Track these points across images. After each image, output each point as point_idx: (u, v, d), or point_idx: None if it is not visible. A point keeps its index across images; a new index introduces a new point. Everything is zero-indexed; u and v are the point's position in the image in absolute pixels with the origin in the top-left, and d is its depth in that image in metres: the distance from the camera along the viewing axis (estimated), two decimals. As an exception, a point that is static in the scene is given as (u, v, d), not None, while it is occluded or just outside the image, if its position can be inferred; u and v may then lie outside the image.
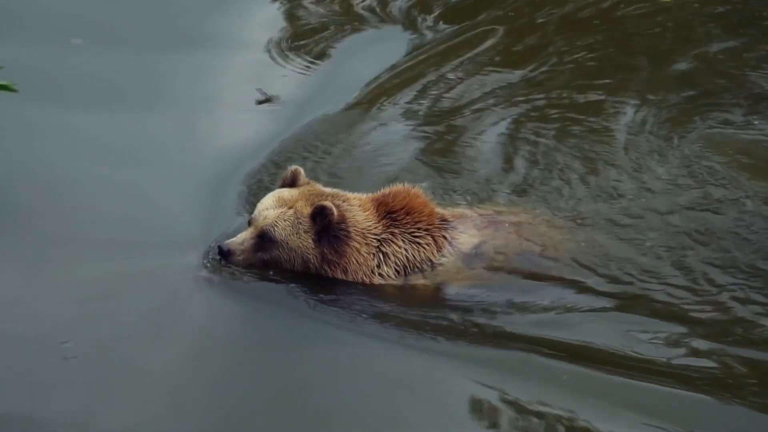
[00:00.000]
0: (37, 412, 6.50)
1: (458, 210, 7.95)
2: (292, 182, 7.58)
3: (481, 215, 7.82)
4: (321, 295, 7.44)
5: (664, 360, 7.00)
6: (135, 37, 10.46)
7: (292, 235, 7.32)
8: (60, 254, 7.77)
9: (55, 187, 8.44)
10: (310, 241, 7.32)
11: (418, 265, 7.52)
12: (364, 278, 7.45)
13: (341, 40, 10.92)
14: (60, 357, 6.89)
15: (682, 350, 7.10)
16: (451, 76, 10.33)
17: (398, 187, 7.70)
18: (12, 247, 7.80)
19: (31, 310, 7.27)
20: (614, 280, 7.66)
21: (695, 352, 7.06)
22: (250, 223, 7.47)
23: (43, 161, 8.74)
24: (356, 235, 7.38)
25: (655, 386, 6.75)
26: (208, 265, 7.56)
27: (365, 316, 7.33)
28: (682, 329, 7.28)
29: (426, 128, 9.55)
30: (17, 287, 7.46)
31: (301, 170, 7.59)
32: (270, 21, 11.09)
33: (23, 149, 8.77)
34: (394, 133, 9.44)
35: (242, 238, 7.37)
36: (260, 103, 9.69)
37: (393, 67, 10.54)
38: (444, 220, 7.67)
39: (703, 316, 7.37)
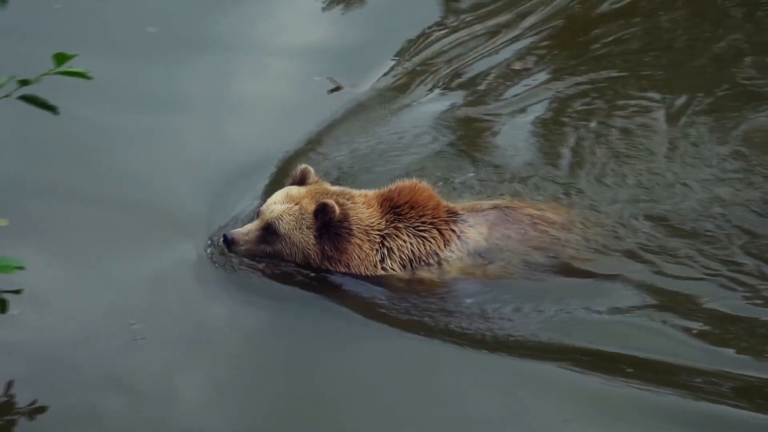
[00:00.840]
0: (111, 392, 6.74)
1: (471, 203, 7.93)
2: (301, 180, 7.73)
3: (496, 208, 7.78)
4: (340, 288, 7.56)
5: (702, 368, 6.83)
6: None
7: (295, 229, 7.47)
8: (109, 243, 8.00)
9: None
10: (312, 237, 7.48)
11: (424, 259, 7.58)
12: (367, 272, 7.57)
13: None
14: (130, 338, 7.12)
15: (727, 355, 6.95)
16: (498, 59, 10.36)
17: (404, 181, 7.73)
18: (59, 232, 8.02)
19: (95, 295, 7.52)
20: (645, 280, 7.50)
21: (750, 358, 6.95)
22: (258, 216, 7.62)
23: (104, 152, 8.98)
24: (359, 232, 7.50)
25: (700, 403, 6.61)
26: (212, 251, 7.73)
27: (381, 311, 7.42)
28: (722, 331, 7.12)
29: (467, 112, 9.51)
30: (73, 274, 7.71)
31: (311, 169, 7.72)
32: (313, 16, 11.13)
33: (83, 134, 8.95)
34: (434, 117, 9.43)
35: (247, 229, 7.54)
36: (332, 91, 9.78)
37: (435, 49, 10.54)
38: (452, 213, 7.67)
39: (754, 316, 7.24)
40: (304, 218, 7.45)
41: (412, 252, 7.54)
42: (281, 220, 7.45)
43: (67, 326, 7.21)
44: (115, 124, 9.19)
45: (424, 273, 7.56)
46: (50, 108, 5.03)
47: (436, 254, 7.54)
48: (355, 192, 7.63)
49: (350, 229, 7.44)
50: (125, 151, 8.94)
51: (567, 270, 7.57)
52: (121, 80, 9.53)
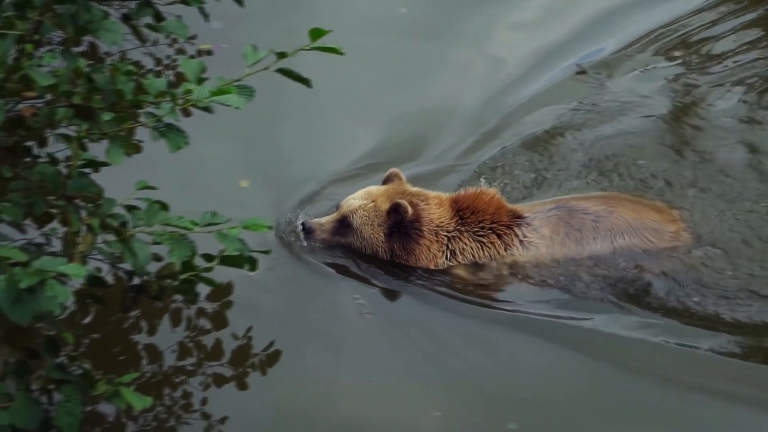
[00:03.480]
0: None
1: (537, 203, 7.97)
2: (387, 181, 8.01)
3: (558, 207, 7.77)
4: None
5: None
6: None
7: (367, 225, 7.76)
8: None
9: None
10: (382, 234, 7.77)
11: (484, 262, 7.73)
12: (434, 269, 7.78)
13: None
14: (356, 312, 7.48)
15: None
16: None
17: (473, 189, 7.89)
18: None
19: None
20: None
21: None
22: (337, 209, 7.92)
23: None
24: (428, 233, 7.73)
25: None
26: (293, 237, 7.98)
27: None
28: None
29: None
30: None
31: (399, 172, 7.99)
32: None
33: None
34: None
35: (325, 220, 7.88)
36: (578, 74, 9.80)
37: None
38: (517, 216, 7.76)
39: None
40: (376, 216, 7.75)
41: (473, 255, 7.70)
42: (355, 214, 7.77)
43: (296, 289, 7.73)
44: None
45: (486, 274, 7.69)
46: (304, 81, 5.31)
47: (495, 260, 7.66)
48: (431, 193, 7.83)
49: (420, 230, 7.69)
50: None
51: (619, 277, 7.54)
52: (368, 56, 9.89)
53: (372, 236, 7.78)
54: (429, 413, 6.83)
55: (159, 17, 5.81)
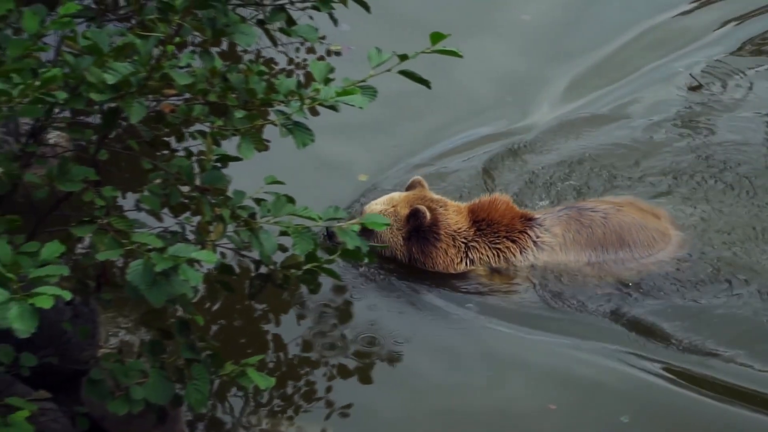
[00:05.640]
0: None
1: (545, 208, 8.13)
2: (409, 189, 8.18)
3: (567, 207, 7.93)
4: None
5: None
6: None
7: (387, 230, 7.84)
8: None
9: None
10: (401, 239, 7.94)
11: (502, 267, 7.88)
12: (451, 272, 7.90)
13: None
14: (468, 313, 7.72)
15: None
16: None
17: (487, 196, 8.06)
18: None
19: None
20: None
21: None
22: (361, 214, 7.93)
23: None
24: (445, 236, 7.91)
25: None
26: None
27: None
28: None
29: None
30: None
31: (422, 180, 8.15)
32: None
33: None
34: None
35: (347, 224, 7.84)
36: (692, 89, 9.73)
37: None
38: (529, 219, 7.91)
39: None
40: (396, 220, 7.89)
41: (490, 264, 7.84)
42: None
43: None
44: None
45: (504, 279, 7.81)
46: (424, 82, 5.51)
47: (513, 264, 7.81)
48: (450, 201, 7.99)
49: (438, 234, 7.86)
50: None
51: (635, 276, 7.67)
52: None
53: (391, 240, 7.98)
54: (545, 407, 6.95)
55: (291, 21, 6.05)
